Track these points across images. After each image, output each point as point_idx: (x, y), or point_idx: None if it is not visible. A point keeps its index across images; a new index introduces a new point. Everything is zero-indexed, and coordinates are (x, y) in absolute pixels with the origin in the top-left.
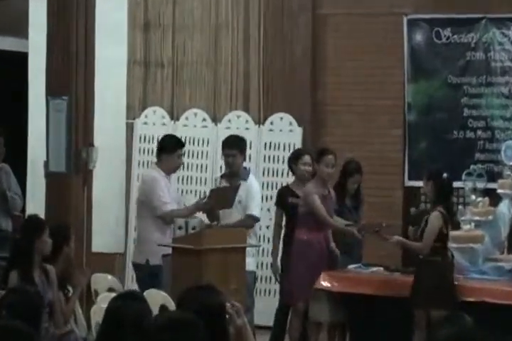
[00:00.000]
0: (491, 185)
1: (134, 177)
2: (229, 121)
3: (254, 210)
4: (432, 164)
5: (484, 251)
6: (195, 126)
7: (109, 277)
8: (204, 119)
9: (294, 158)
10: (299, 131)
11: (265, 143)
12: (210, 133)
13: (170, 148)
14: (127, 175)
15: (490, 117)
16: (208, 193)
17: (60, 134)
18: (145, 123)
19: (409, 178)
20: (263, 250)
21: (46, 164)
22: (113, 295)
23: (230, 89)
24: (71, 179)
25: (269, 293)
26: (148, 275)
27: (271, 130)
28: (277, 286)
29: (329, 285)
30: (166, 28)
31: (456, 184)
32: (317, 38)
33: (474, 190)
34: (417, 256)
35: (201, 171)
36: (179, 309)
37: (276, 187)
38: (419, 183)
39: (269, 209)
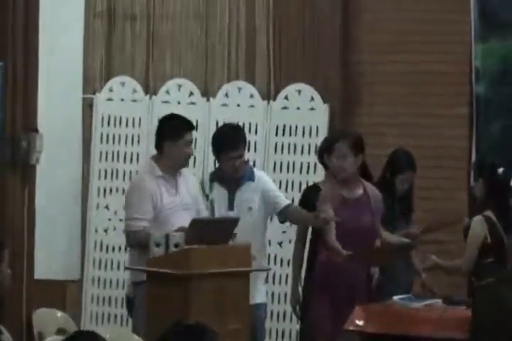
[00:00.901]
0: None
1: (93, 174)
2: (226, 95)
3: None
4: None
5: None
6: (178, 103)
7: (59, 314)
8: (191, 93)
9: (327, 148)
10: (323, 109)
11: (277, 127)
12: (200, 113)
13: (173, 133)
14: (84, 172)
15: None
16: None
17: None
18: (109, 99)
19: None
20: (274, 275)
21: None
22: (63, 338)
23: (227, 51)
24: (5, 178)
25: (283, 334)
26: None
27: (285, 108)
28: (295, 325)
29: (365, 324)
30: None
31: None
32: None
33: None
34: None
35: (194, 166)
36: None
37: (293, 188)
38: None
39: None
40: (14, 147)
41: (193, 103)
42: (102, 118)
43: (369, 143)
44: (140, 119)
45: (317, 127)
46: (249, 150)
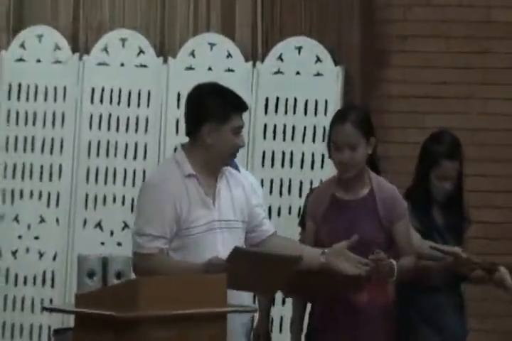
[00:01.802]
0: None
1: None
2: (191, 54)
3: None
4: None
5: None
6: (122, 65)
7: None
8: (141, 51)
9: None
10: (335, 74)
11: (266, 101)
12: (154, 80)
13: (216, 113)
14: None
15: None
16: (230, 253)
17: None
18: (20, 59)
19: None
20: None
21: None
22: None
23: None
24: None
25: None
26: None
27: (278, 72)
28: None
29: None
30: None
31: None
32: None
33: None
34: None
35: (134, 158)
36: None
37: (290, 190)
38: None
39: None
40: None
41: (143, 65)
42: (10, 87)
43: (400, 126)
44: (65, 89)
45: (326, 101)
46: None
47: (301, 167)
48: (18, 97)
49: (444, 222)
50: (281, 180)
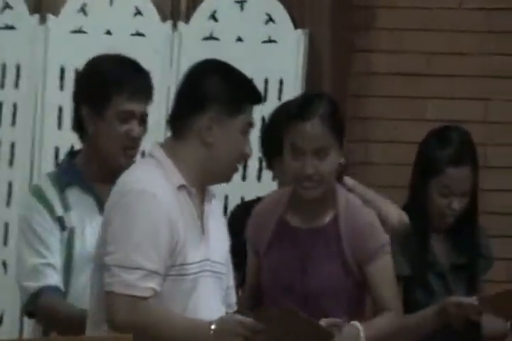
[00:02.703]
0: None
1: None
2: (82, 10)
3: None
4: None
5: None
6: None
7: None
8: (8, 6)
9: (271, 135)
10: (294, 39)
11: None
12: (27, 46)
13: (224, 100)
14: None
15: None
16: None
17: None
18: None
19: None
20: None
21: None
22: None
23: None
24: None
25: None
26: None
27: (210, 37)
28: None
29: None
30: None
31: None
32: None
33: None
34: None
35: None
36: None
37: (226, 209)
38: None
39: None
40: None
41: (9, 27)
42: None
43: (389, 118)
44: (18, 68)
45: (280, 81)
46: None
47: (243, 178)
48: None
49: (449, 258)
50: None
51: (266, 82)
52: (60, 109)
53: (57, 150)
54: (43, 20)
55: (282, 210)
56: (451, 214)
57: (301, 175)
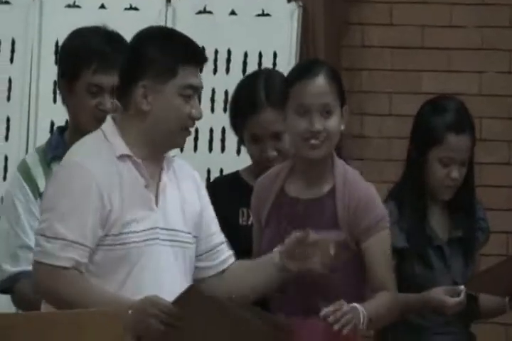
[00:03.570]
0: None
1: None
2: None
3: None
4: None
5: None
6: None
7: None
8: None
9: (248, 108)
10: (288, 12)
11: None
12: (21, 22)
13: (155, 66)
14: None
15: None
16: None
17: None
18: None
19: None
20: None
21: None
22: None
23: None
24: None
25: None
26: None
27: (204, 11)
28: None
29: None
30: None
31: None
32: None
33: None
34: None
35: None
36: None
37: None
38: None
39: None
40: None
41: (5, 2)
42: None
43: (386, 91)
44: (13, 43)
45: (274, 54)
46: None
47: (238, 152)
48: None
49: (447, 231)
50: (208, 170)
51: (260, 55)
52: (55, 83)
53: (52, 125)
54: None
55: (282, 182)
56: (451, 185)
57: (308, 133)
